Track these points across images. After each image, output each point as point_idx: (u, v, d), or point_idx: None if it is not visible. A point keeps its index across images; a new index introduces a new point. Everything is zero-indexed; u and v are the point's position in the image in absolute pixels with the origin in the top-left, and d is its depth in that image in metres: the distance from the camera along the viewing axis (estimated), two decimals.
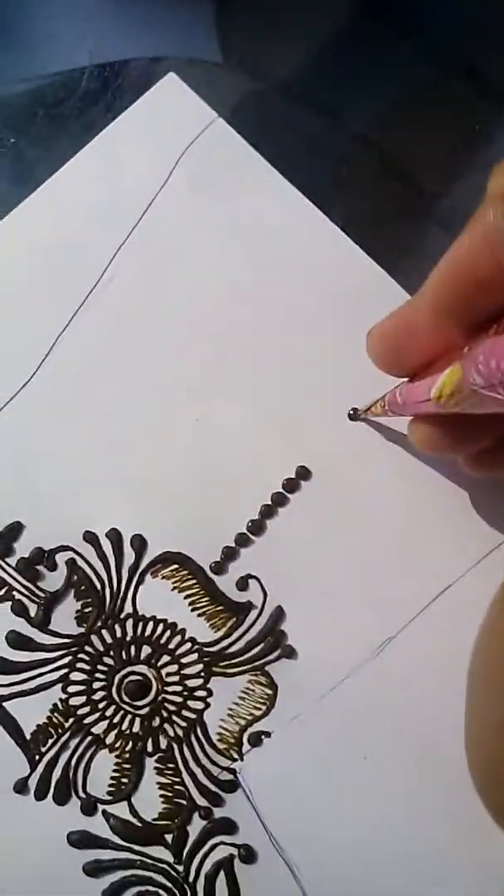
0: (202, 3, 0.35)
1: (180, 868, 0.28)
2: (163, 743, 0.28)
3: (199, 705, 0.29)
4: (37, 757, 0.28)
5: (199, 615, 0.29)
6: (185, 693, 0.29)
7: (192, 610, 0.29)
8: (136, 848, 0.28)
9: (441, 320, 0.24)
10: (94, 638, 0.29)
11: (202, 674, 0.29)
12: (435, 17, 0.35)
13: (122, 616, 0.29)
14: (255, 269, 0.31)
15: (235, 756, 0.28)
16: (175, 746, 0.28)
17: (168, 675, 0.29)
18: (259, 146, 0.32)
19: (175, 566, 0.29)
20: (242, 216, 0.31)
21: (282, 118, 0.33)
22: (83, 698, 0.29)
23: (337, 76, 0.34)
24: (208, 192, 0.31)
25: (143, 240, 0.31)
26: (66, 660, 0.29)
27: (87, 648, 0.29)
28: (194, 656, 0.29)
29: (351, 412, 0.30)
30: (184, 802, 0.28)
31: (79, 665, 0.29)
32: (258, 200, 0.32)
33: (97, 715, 0.29)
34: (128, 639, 0.29)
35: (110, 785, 0.28)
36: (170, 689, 0.29)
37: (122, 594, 0.29)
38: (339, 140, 0.33)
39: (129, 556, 0.29)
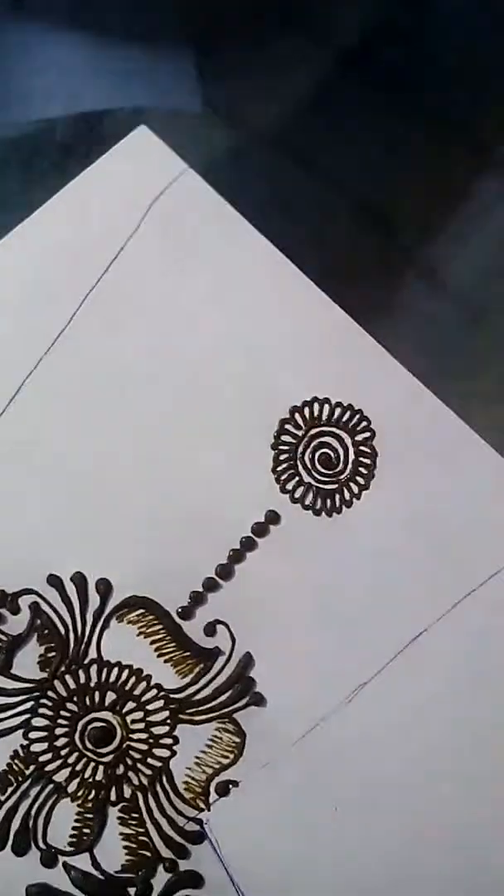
0: (186, 55, 0.35)
1: None
2: (127, 792, 0.28)
3: (165, 753, 0.28)
4: None
5: (165, 661, 0.28)
6: (151, 741, 0.28)
7: (159, 656, 0.28)
8: None
9: None
10: (57, 683, 0.28)
11: (168, 721, 0.28)
12: (414, 71, 0.35)
13: (87, 661, 0.28)
14: (226, 322, 0.31)
15: (202, 806, 0.28)
16: (139, 795, 0.28)
17: (133, 721, 0.28)
18: (239, 196, 0.31)
19: (141, 611, 0.28)
20: (213, 268, 0.31)
21: (263, 169, 0.33)
22: (45, 745, 0.28)
23: (318, 127, 0.34)
24: (180, 244, 0.31)
25: (112, 289, 0.31)
26: (27, 705, 0.28)
27: (50, 694, 0.28)
28: (160, 703, 0.28)
29: None
30: (148, 854, 0.27)
31: (41, 711, 0.28)
32: (229, 252, 0.31)
33: (59, 762, 0.28)
34: (92, 685, 0.28)
35: (72, 835, 0.27)
36: (135, 736, 0.28)
37: (86, 639, 0.28)
38: (319, 191, 0.33)
39: (95, 600, 0.28)
